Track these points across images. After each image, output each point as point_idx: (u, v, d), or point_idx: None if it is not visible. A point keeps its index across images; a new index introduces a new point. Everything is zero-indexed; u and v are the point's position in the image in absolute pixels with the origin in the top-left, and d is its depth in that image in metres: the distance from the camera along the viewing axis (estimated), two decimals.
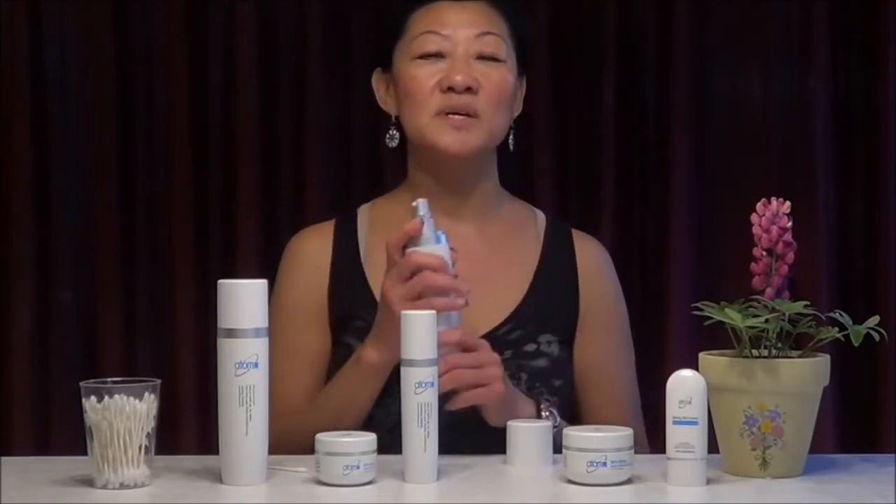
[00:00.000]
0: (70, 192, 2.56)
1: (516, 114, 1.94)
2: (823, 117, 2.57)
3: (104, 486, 1.49)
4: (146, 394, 1.50)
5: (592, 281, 1.95)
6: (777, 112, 2.59)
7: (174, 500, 1.47)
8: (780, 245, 1.58)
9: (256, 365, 1.51)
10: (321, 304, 1.90)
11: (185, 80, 2.55)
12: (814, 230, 2.53)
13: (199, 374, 2.51)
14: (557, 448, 1.57)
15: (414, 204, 1.72)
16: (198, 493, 1.49)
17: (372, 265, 1.89)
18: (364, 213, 1.97)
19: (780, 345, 1.57)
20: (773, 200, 1.59)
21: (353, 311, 1.87)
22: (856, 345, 1.55)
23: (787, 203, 1.59)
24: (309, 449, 1.56)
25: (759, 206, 1.59)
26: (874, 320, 1.56)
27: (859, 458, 1.70)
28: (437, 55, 1.88)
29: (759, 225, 1.58)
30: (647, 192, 2.59)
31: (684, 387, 1.49)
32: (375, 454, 1.52)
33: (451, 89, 1.85)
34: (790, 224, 1.59)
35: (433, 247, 1.71)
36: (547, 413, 1.77)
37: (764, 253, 1.59)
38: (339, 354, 1.86)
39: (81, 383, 1.50)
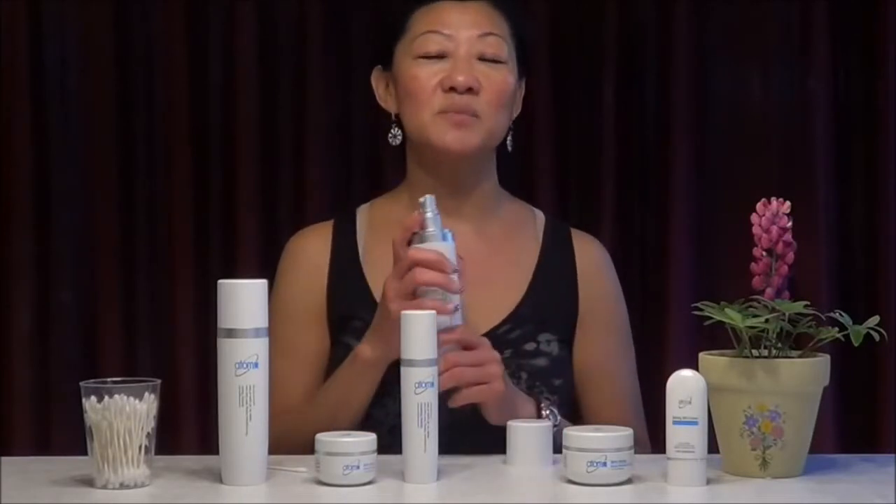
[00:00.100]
0: (70, 192, 2.56)
1: (515, 115, 1.94)
2: (823, 117, 2.57)
3: (104, 486, 1.49)
4: (146, 394, 1.50)
5: (592, 280, 1.95)
6: (777, 112, 2.59)
7: (174, 500, 1.47)
8: (780, 245, 1.58)
9: (256, 365, 1.51)
10: (320, 304, 1.90)
11: (185, 80, 2.55)
12: (814, 230, 2.53)
13: (199, 374, 2.51)
14: (558, 448, 1.57)
15: (421, 200, 1.72)
16: (198, 493, 1.49)
17: (370, 265, 1.89)
18: (363, 214, 1.98)
19: (780, 345, 1.57)
20: (773, 200, 1.59)
21: (352, 311, 1.87)
22: (856, 345, 1.55)
23: (787, 203, 1.59)
24: (308, 448, 1.56)
25: (759, 206, 1.59)
26: (874, 320, 1.56)
27: (859, 458, 1.71)
28: (439, 55, 1.88)
29: (759, 225, 1.59)
30: (647, 192, 2.59)
31: (684, 387, 1.49)
32: (375, 454, 1.52)
33: (452, 89, 1.85)
34: (790, 224, 1.59)
35: (437, 244, 1.71)
36: (547, 412, 1.77)
37: (764, 253, 1.59)
38: (338, 355, 1.86)
39: (81, 383, 1.50)
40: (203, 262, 2.54)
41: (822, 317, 1.57)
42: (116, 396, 1.48)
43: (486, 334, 1.83)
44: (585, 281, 1.94)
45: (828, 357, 1.58)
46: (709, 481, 1.51)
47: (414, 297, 1.69)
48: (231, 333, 1.51)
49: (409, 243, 1.72)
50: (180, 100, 2.55)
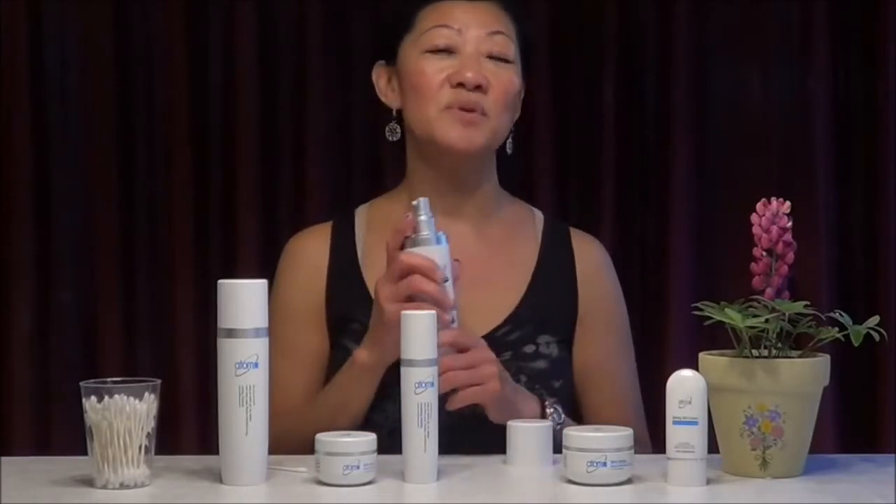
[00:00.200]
0: (70, 192, 2.56)
1: (515, 118, 1.94)
2: (823, 117, 2.57)
3: (104, 486, 1.49)
4: (146, 394, 1.50)
5: (591, 281, 1.95)
6: (777, 112, 2.59)
7: (174, 500, 1.47)
8: (780, 245, 1.58)
9: (256, 365, 1.51)
10: (319, 305, 1.90)
11: (185, 80, 2.55)
12: (814, 230, 2.53)
13: (199, 374, 2.51)
14: (560, 446, 1.57)
15: (414, 203, 1.71)
16: (198, 493, 1.49)
17: (369, 266, 1.89)
18: (362, 214, 1.97)
19: (780, 345, 1.57)
20: (773, 200, 1.59)
21: (351, 313, 1.87)
22: (856, 345, 1.55)
23: (787, 203, 1.59)
24: (307, 449, 1.56)
25: (759, 206, 1.59)
26: (874, 320, 1.56)
27: (859, 458, 1.71)
28: (447, 50, 1.88)
29: (759, 225, 1.59)
30: (647, 192, 2.59)
31: (684, 387, 1.49)
32: (375, 454, 1.52)
33: (460, 85, 1.85)
34: (790, 224, 1.59)
35: (431, 248, 1.69)
36: (551, 410, 1.77)
37: (764, 253, 1.59)
38: (338, 358, 1.86)
39: (81, 383, 1.50)
40: (203, 262, 2.54)
41: (822, 317, 1.57)
42: (116, 396, 1.48)
43: (486, 336, 1.83)
44: (585, 281, 1.94)
45: (828, 357, 1.58)
46: (709, 481, 1.51)
47: (409, 301, 1.68)
48: (231, 333, 1.51)
49: (403, 246, 1.70)
50: (180, 100, 2.55)
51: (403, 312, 1.55)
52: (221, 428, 1.52)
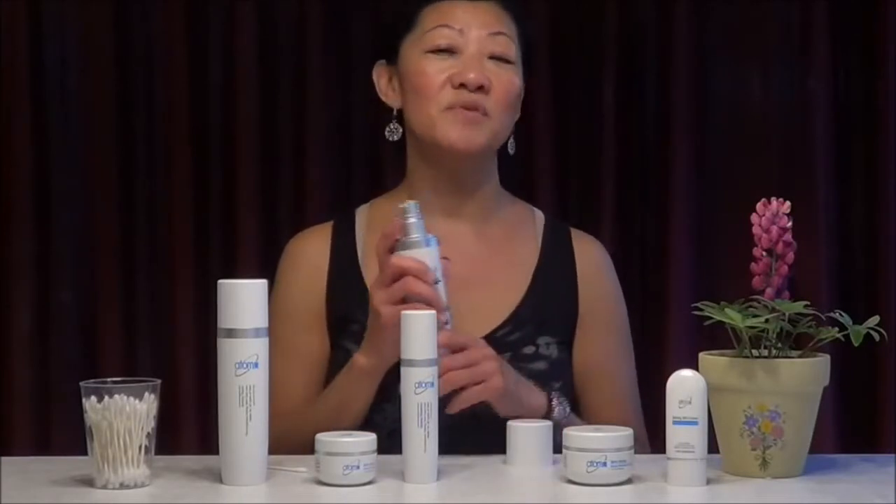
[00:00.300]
0: (70, 192, 2.56)
1: (515, 118, 1.94)
2: (823, 117, 2.57)
3: (104, 486, 1.49)
4: (146, 394, 1.50)
5: (592, 281, 1.95)
6: (777, 112, 2.59)
7: (174, 500, 1.47)
8: (780, 245, 1.58)
9: (256, 365, 1.51)
10: (319, 305, 1.90)
11: (185, 80, 2.55)
12: (814, 230, 2.53)
13: (199, 374, 2.51)
14: (560, 446, 1.57)
15: (403, 205, 1.69)
16: (198, 493, 1.49)
17: (369, 266, 1.89)
18: (362, 214, 1.97)
19: (780, 345, 1.57)
20: (773, 200, 1.59)
21: (351, 313, 1.87)
22: (856, 345, 1.55)
23: (787, 203, 1.59)
24: (307, 449, 1.56)
25: (759, 206, 1.59)
26: (874, 320, 1.56)
27: (859, 458, 1.71)
28: (449, 50, 1.87)
29: (759, 225, 1.58)
30: (647, 192, 2.59)
31: (684, 387, 1.49)
32: (375, 454, 1.52)
33: (462, 86, 1.85)
34: (790, 224, 1.59)
35: (422, 250, 1.68)
36: (557, 403, 1.77)
37: (764, 253, 1.59)
38: (338, 359, 1.86)
39: (81, 383, 1.50)
40: (203, 262, 2.54)
41: (822, 317, 1.57)
42: (116, 396, 1.48)
43: (485, 337, 1.83)
44: (585, 281, 1.94)
45: (828, 357, 1.58)
46: (709, 481, 1.51)
47: (404, 303, 1.67)
48: (231, 333, 1.51)
49: (393, 250, 1.69)
50: (180, 100, 2.55)
51: (403, 313, 1.55)
52: (221, 428, 1.52)
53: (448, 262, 1.71)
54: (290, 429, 1.71)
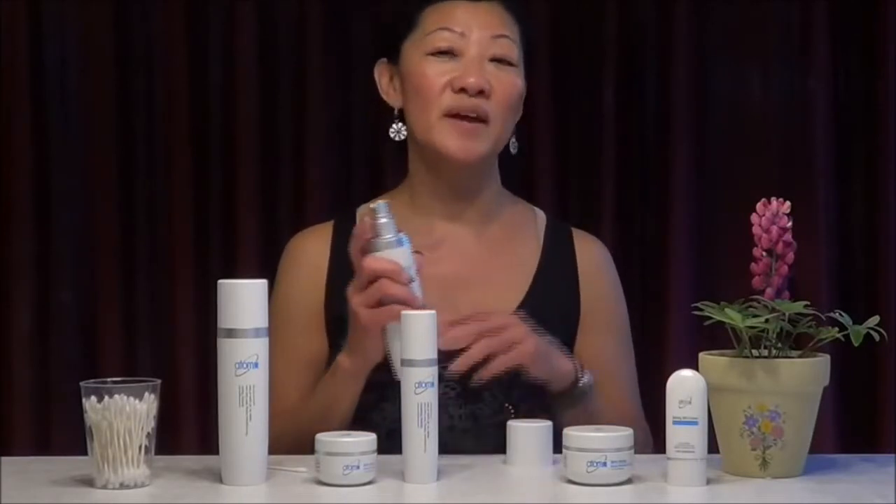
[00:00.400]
0: (70, 192, 2.56)
1: (517, 118, 1.93)
2: (823, 117, 2.57)
3: (104, 486, 1.49)
4: (146, 394, 1.50)
5: (593, 281, 1.95)
6: (777, 112, 2.59)
7: (174, 500, 1.47)
8: (780, 245, 1.58)
9: (256, 365, 1.51)
10: (318, 305, 1.90)
11: (185, 80, 2.55)
12: (814, 230, 2.53)
13: (199, 374, 2.51)
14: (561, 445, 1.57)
15: (373, 206, 1.68)
16: (198, 493, 1.49)
17: None
18: (362, 214, 1.97)
19: (780, 345, 1.57)
20: (773, 200, 1.59)
21: (348, 314, 1.86)
22: (856, 345, 1.55)
23: (787, 203, 1.59)
24: (301, 450, 1.56)
25: (759, 206, 1.59)
26: (874, 320, 1.56)
27: (859, 458, 1.70)
28: (450, 53, 1.87)
29: (759, 225, 1.58)
30: (647, 192, 2.59)
31: (684, 387, 1.49)
32: (375, 454, 1.52)
33: (463, 90, 1.84)
34: (790, 224, 1.59)
35: (394, 251, 1.67)
36: (583, 374, 1.79)
37: (764, 253, 1.59)
38: (335, 358, 1.85)
39: (81, 383, 1.50)
40: (203, 262, 2.54)
41: (822, 317, 1.57)
42: (116, 396, 1.48)
43: None
44: (586, 281, 1.94)
45: (828, 357, 1.58)
46: (709, 481, 1.51)
47: (380, 305, 1.67)
48: (231, 333, 1.50)
49: (365, 250, 1.68)
50: (180, 100, 2.55)
51: (403, 312, 1.55)
52: (221, 428, 1.52)
53: (422, 257, 1.70)
54: (281, 429, 1.70)
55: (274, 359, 1.55)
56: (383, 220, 1.67)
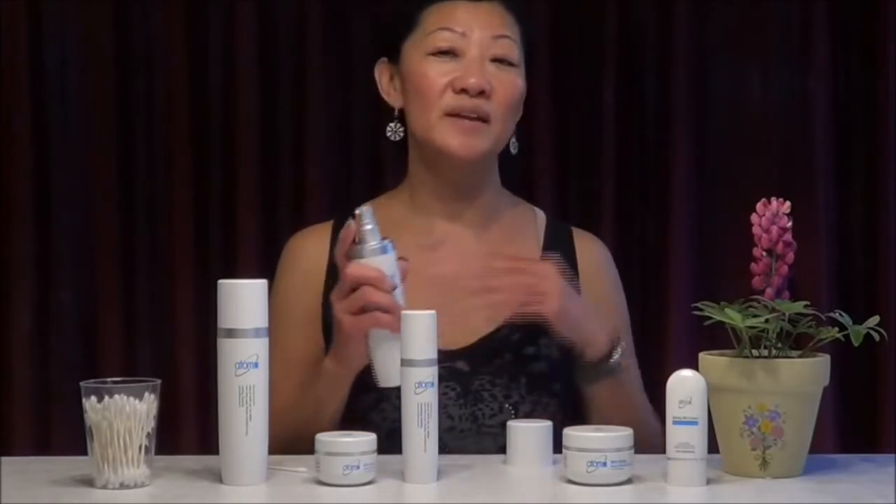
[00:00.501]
0: (70, 192, 2.56)
1: (518, 118, 1.93)
2: (823, 117, 2.57)
3: (104, 486, 1.49)
4: (146, 394, 1.50)
5: (593, 280, 1.95)
6: (777, 112, 2.59)
7: (174, 500, 1.47)
8: (780, 245, 1.58)
9: (256, 365, 1.51)
10: (316, 305, 1.90)
11: (185, 80, 2.55)
12: (814, 230, 2.53)
13: (199, 374, 2.51)
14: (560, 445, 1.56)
15: (357, 211, 1.67)
16: (198, 493, 1.49)
17: None
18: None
19: (780, 345, 1.57)
20: (773, 200, 1.59)
21: (332, 319, 1.86)
22: (856, 345, 1.55)
23: (787, 203, 1.59)
24: (289, 450, 1.55)
25: (759, 206, 1.59)
26: (874, 320, 1.56)
27: (859, 458, 1.70)
28: (451, 53, 1.86)
29: (759, 225, 1.58)
30: (647, 192, 2.59)
31: (684, 387, 1.49)
32: (375, 454, 1.52)
33: (464, 91, 1.84)
34: (790, 224, 1.59)
35: (377, 258, 1.66)
36: (618, 351, 1.80)
37: (764, 253, 1.59)
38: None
39: (81, 383, 1.50)
40: (203, 262, 2.54)
41: (822, 317, 1.57)
42: (116, 396, 1.48)
43: (486, 337, 1.83)
44: (587, 280, 1.94)
45: (828, 357, 1.58)
46: (709, 481, 1.51)
47: (363, 312, 1.66)
48: (231, 333, 1.51)
49: (349, 255, 1.67)
50: (180, 100, 2.55)
51: (403, 312, 1.55)
52: (221, 428, 1.52)
53: (406, 263, 1.70)
54: (272, 429, 1.70)
55: (272, 359, 1.55)
56: (368, 227, 1.66)
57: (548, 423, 1.66)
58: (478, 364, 1.83)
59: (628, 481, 1.51)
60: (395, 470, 1.54)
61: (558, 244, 1.96)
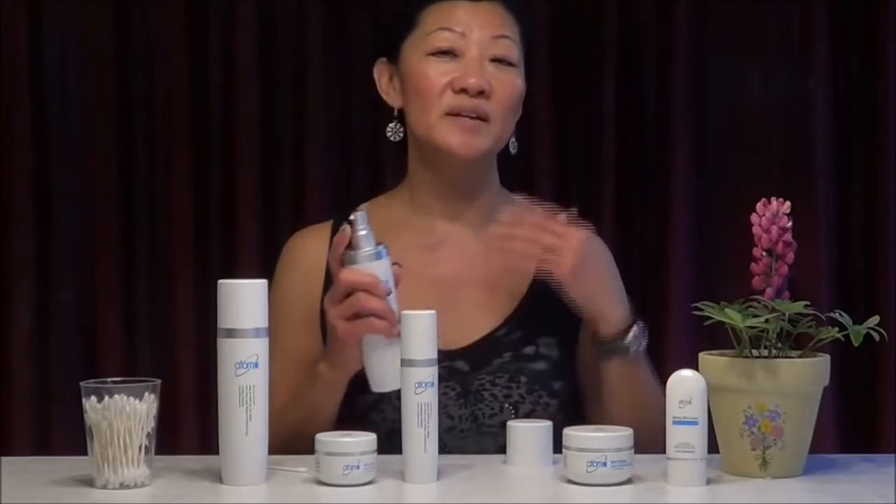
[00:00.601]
0: (70, 192, 2.56)
1: (517, 118, 1.93)
2: (823, 117, 2.57)
3: (104, 486, 1.49)
4: (146, 394, 1.50)
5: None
6: (777, 112, 2.59)
7: (174, 500, 1.47)
8: (780, 245, 1.58)
9: (256, 365, 1.51)
10: (315, 305, 1.89)
11: (185, 80, 2.55)
12: (814, 230, 2.53)
13: (199, 374, 2.51)
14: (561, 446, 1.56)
15: (352, 216, 1.67)
16: (198, 493, 1.49)
17: None
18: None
19: (780, 345, 1.57)
20: (773, 200, 1.59)
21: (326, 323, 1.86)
22: (856, 345, 1.55)
23: (787, 203, 1.59)
24: (285, 450, 1.55)
25: (759, 206, 1.59)
26: (874, 320, 1.56)
27: (859, 458, 1.70)
28: (450, 52, 1.86)
29: (759, 225, 1.58)
30: (647, 192, 2.59)
31: (684, 387, 1.49)
32: (375, 454, 1.52)
33: (463, 91, 1.83)
34: (790, 224, 1.59)
35: (372, 263, 1.66)
36: (638, 332, 1.80)
37: (764, 253, 1.59)
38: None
39: (81, 383, 1.50)
40: (203, 262, 2.54)
41: (822, 317, 1.57)
42: (116, 396, 1.48)
43: (486, 337, 1.84)
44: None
45: (828, 357, 1.57)
46: (709, 481, 1.51)
47: (356, 317, 1.66)
48: (231, 333, 1.51)
49: (343, 262, 1.67)
50: (180, 100, 2.55)
51: (403, 312, 1.55)
52: (221, 428, 1.52)
53: (399, 268, 1.69)
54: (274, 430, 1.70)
55: (271, 359, 1.55)
56: (362, 233, 1.66)
57: (548, 423, 1.66)
58: (478, 364, 1.83)
59: (628, 481, 1.51)
60: (395, 470, 1.54)
61: None
